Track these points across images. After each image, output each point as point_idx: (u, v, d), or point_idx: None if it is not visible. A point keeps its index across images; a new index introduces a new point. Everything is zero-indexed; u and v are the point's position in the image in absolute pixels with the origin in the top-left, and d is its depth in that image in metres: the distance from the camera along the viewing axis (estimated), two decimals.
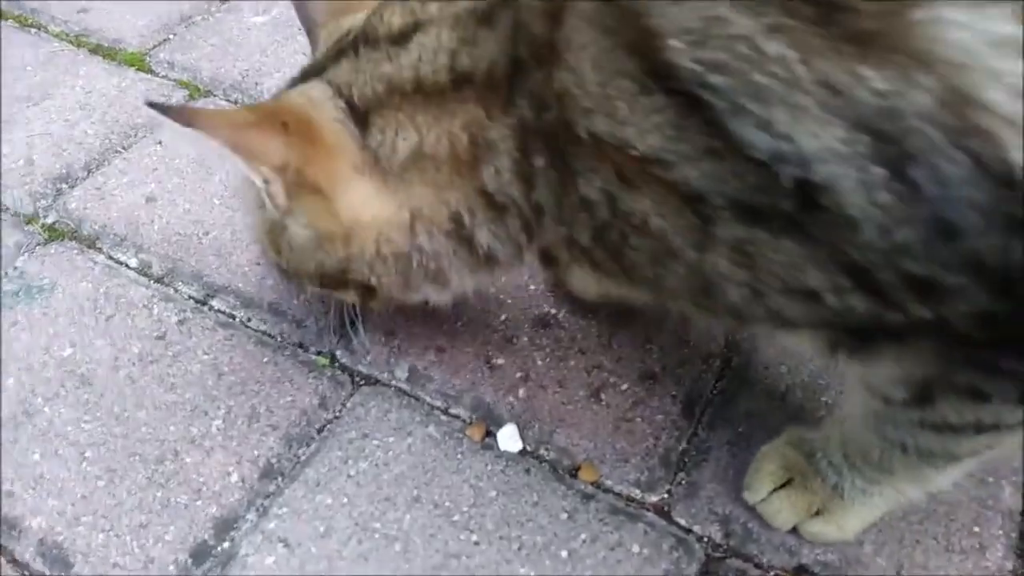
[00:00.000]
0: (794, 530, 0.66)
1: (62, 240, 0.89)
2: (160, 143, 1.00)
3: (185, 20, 1.19)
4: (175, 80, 1.09)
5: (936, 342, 0.44)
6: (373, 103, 0.56)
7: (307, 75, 0.62)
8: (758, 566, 0.66)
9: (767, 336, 0.70)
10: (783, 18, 0.36)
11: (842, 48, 0.36)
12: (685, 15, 0.38)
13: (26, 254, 0.88)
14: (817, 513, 0.65)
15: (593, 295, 0.59)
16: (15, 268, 0.86)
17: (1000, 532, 0.68)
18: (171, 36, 1.16)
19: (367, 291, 0.64)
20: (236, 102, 1.06)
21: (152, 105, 0.54)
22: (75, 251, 0.88)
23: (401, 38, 0.54)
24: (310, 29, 0.69)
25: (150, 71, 1.11)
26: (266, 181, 0.58)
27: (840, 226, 0.39)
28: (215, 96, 1.07)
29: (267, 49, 1.14)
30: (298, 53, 1.12)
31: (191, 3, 1.22)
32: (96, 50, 1.14)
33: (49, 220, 0.91)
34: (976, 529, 0.68)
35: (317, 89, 0.59)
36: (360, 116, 0.56)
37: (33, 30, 1.17)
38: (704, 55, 0.38)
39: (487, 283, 0.76)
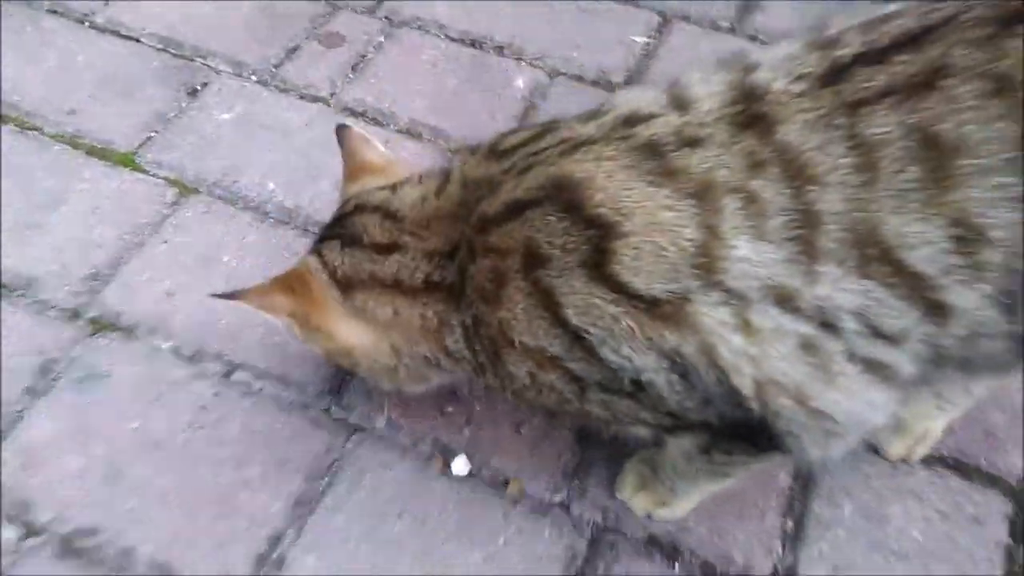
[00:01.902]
0: (648, 515, 1.05)
1: (105, 332, 1.17)
2: (166, 242, 1.28)
3: (161, 118, 1.44)
4: (164, 179, 1.36)
5: (706, 432, 0.82)
6: (356, 283, 0.88)
7: (319, 239, 0.94)
8: (625, 537, 1.04)
9: None
10: (624, 306, 0.72)
11: (652, 322, 0.71)
12: (578, 299, 0.73)
13: (78, 345, 1.16)
14: (662, 504, 1.04)
15: None
16: (72, 358, 1.14)
17: (775, 503, 1.07)
18: (153, 134, 1.42)
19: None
20: (219, 198, 1.34)
21: (215, 295, 0.91)
22: (118, 341, 1.16)
23: (384, 250, 0.86)
24: (344, 165, 1.02)
25: (143, 171, 1.37)
26: (286, 325, 0.91)
27: (656, 397, 0.75)
28: (200, 192, 1.34)
29: (238, 146, 1.41)
30: (264, 150, 1.40)
31: (162, 100, 1.47)
32: (92, 152, 1.38)
33: (91, 315, 1.19)
34: (759, 503, 1.07)
35: (312, 261, 0.91)
36: (343, 286, 0.89)
37: (32, 133, 1.40)
38: (589, 319, 0.73)
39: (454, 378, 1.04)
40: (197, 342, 1.17)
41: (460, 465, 1.07)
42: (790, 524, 1.06)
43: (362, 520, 1.02)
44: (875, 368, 0.73)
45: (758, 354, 0.71)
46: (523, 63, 1.57)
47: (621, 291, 0.72)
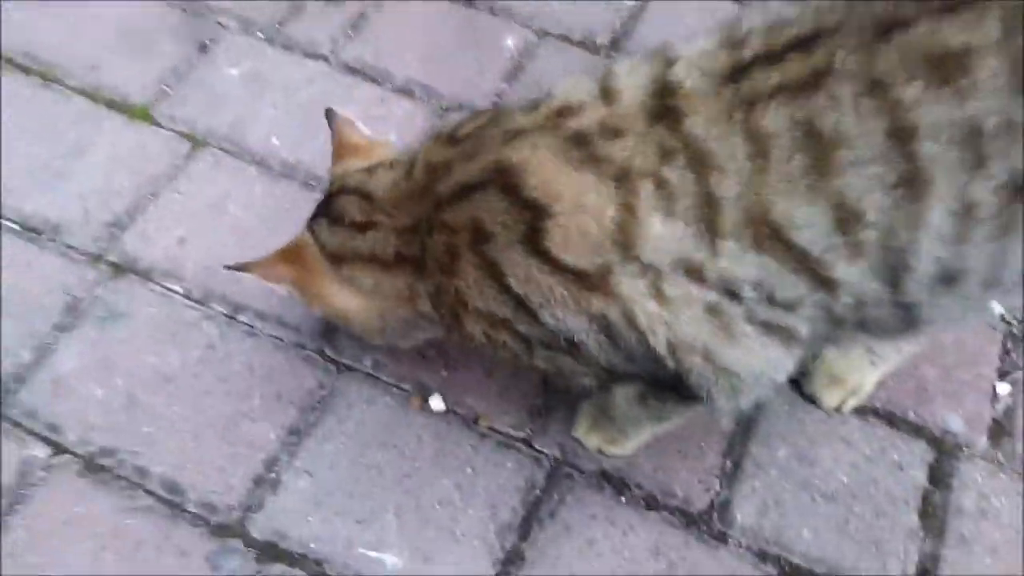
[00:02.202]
0: (600, 451, 1.18)
1: (125, 275, 1.30)
2: (179, 192, 1.40)
3: (175, 73, 1.54)
4: (179, 132, 1.47)
5: (639, 382, 0.94)
6: (342, 256, 1.01)
7: (312, 216, 1.05)
8: (580, 471, 1.17)
9: None
10: (557, 277, 0.83)
11: (580, 291, 0.82)
12: (519, 270, 0.84)
13: (100, 287, 1.29)
14: (612, 442, 1.17)
15: None
16: (96, 298, 1.28)
17: (716, 445, 1.20)
18: (167, 89, 1.52)
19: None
20: (227, 152, 1.45)
21: (228, 267, 1.04)
22: (136, 283, 1.30)
23: (362, 228, 0.98)
24: (333, 147, 1.12)
25: (158, 124, 1.47)
26: (289, 291, 1.03)
27: (588, 354, 0.87)
28: (211, 146, 1.46)
29: (246, 102, 1.51)
30: (268, 106, 1.50)
31: (176, 55, 1.57)
32: (111, 105, 1.49)
33: (112, 259, 1.32)
34: (702, 444, 1.20)
35: (307, 237, 1.03)
36: (333, 259, 1.01)
37: (56, 85, 1.51)
38: (529, 287, 0.84)
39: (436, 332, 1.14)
40: (205, 286, 1.30)
41: (436, 402, 1.21)
42: (729, 464, 1.18)
43: (348, 448, 1.16)
44: (773, 330, 0.85)
45: (670, 318, 0.83)
46: (513, 23, 1.65)
47: (554, 264, 0.83)
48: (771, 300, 0.83)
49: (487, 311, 0.89)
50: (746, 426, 1.21)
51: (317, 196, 1.13)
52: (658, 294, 0.82)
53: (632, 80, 0.87)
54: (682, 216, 0.81)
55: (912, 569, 1.11)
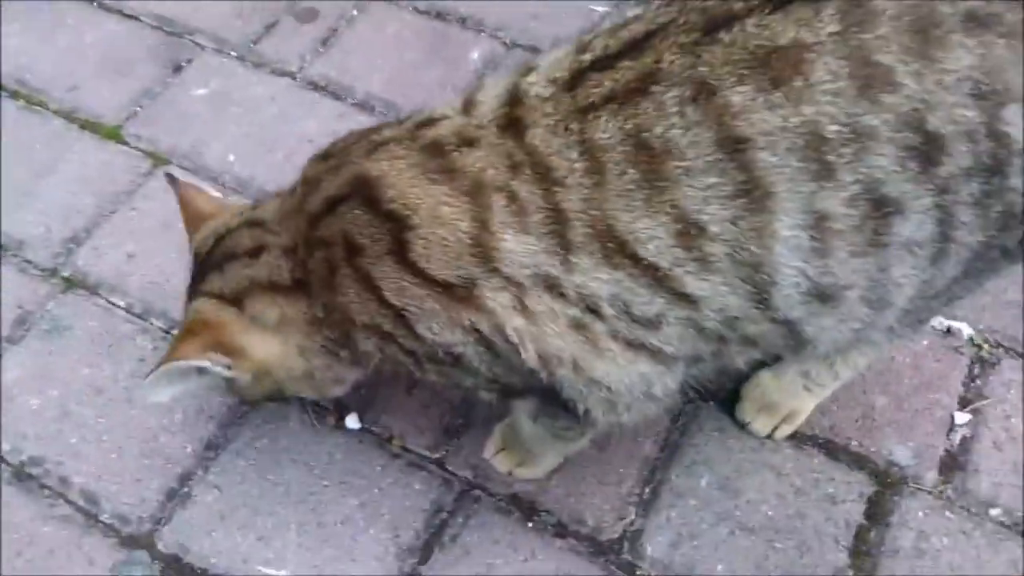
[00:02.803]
0: (510, 473, 1.14)
1: (75, 289, 1.35)
2: (134, 209, 1.44)
3: (148, 94, 1.59)
4: (143, 151, 1.51)
5: (534, 398, 0.91)
6: (242, 293, 0.93)
7: (190, 292, 1.00)
8: (490, 494, 1.14)
9: None
10: (427, 289, 0.81)
11: (451, 303, 0.81)
12: (391, 283, 0.82)
13: (51, 300, 1.34)
14: (521, 463, 1.13)
15: None
16: (45, 311, 1.33)
17: (636, 471, 1.15)
18: (138, 109, 1.57)
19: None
20: (186, 169, 1.48)
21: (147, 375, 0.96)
22: (83, 298, 1.34)
23: (254, 253, 0.93)
24: (183, 216, 1.09)
25: (125, 143, 1.53)
26: (208, 366, 0.93)
27: (471, 366, 0.85)
28: (172, 163, 1.49)
29: (207, 120, 1.55)
30: (230, 124, 1.54)
31: (151, 76, 1.62)
32: (84, 126, 1.55)
33: (65, 274, 1.37)
34: (621, 469, 1.15)
35: (198, 302, 0.97)
36: (233, 301, 0.94)
37: (37, 108, 1.58)
38: (404, 299, 0.82)
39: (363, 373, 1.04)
40: (147, 301, 1.33)
41: (352, 421, 1.20)
42: (647, 492, 1.13)
43: (259, 464, 1.17)
44: (638, 348, 0.81)
45: (536, 332, 0.81)
46: (483, 34, 1.63)
47: (423, 276, 0.81)
48: (631, 316, 0.79)
49: (372, 324, 0.87)
50: (671, 452, 1.16)
51: None
52: (523, 308, 0.79)
53: (492, 91, 0.84)
54: (534, 231, 0.78)
55: None
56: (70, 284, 1.36)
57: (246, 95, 1.58)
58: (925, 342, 1.23)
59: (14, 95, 1.60)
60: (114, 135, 1.54)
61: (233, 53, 1.65)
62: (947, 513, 1.09)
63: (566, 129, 0.76)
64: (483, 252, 0.79)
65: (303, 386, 1.01)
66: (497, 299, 0.80)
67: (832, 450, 1.15)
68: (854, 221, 0.73)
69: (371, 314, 0.86)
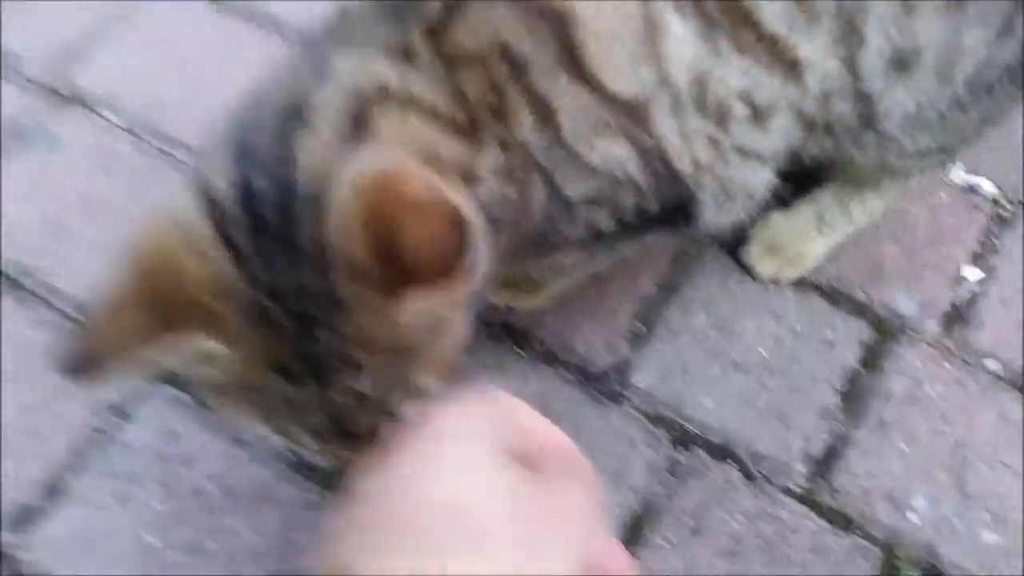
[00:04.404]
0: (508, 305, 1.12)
1: (71, 105, 1.32)
2: (133, 26, 1.39)
3: None
4: None
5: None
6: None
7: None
8: (482, 323, 1.12)
9: None
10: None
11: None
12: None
13: (47, 116, 1.31)
14: (520, 294, 1.11)
15: None
16: (42, 126, 1.30)
17: (631, 307, 1.13)
18: None
19: None
20: None
21: None
22: (80, 113, 1.31)
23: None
24: None
25: None
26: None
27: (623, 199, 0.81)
28: None
29: None
30: None
31: None
32: None
33: (62, 90, 1.33)
34: (616, 306, 1.13)
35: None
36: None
37: None
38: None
39: None
40: (142, 117, 1.30)
41: None
42: (641, 327, 1.11)
43: None
44: (749, 155, 0.83)
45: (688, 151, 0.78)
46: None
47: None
48: (754, 111, 0.77)
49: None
50: (669, 291, 1.13)
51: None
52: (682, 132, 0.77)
53: None
54: (690, 15, 0.71)
55: (818, 448, 1.02)
56: (66, 100, 1.33)
57: None
58: (944, 195, 1.19)
59: None
60: None
61: None
62: (944, 363, 1.07)
63: None
64: (654, 45, 0.71)
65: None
66: (667, 124, 0.75)
67: (835, 297, 1.12)
68: None
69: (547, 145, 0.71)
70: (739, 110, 0.77)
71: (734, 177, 0.84)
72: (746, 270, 1.13)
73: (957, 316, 1.10)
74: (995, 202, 1.19)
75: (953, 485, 0.98)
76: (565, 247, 0.87)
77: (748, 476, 1.00)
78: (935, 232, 1.16)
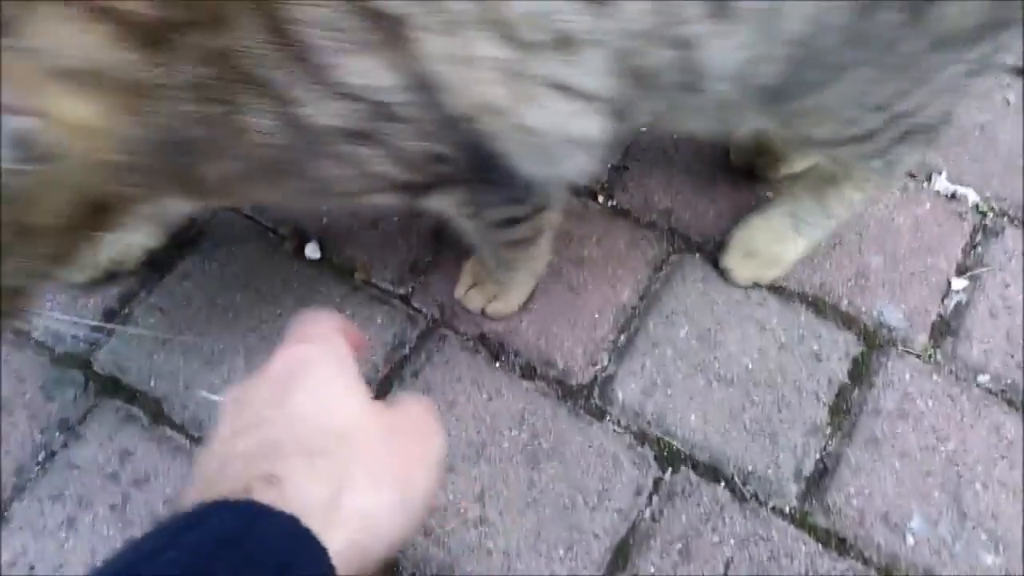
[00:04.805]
0: (483, 312, 1.07)
1: None
2: None
3: None
4: None
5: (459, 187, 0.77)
6: None
7: None
8: (457, 333, 1.06)
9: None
10: None
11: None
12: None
13: None
14: (493, 298, 1.05)
15: None
16: None
17: (612, 317, 1.07)
18: None
19: None
20: None
21: None
22: None
23: None
24: None
25: None
26: None
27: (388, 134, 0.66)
28: None
29: None
30: None
31: None
32: None
33: None
34: (596, 316, 1.08)
35: None
36: None
37: None
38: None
39: None
40: None
41: (312, 249, 1.11)
42: (622, 339, 1.06)
43: (206, 288, 1.08)
44: (562, 88, 0.67)
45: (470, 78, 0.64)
46: None
47: None
48: (560, 38, 0.62)
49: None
50: (650, 301, 1.09)
51: None
52: (461, 57, 0.62)
53: None
54: None
55: (809, 466, 0.98)
56: None
57: None
58: (928, 205, 1.16)
59: None
60: None
61: None
62: (934, 376, 1.04)
63: None
64: None
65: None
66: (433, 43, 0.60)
67: (820, 308, 1.09)
68: None
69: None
70: (540, 35, 0.62)
71: (545, 123, 0.69)
72: (724, 276, 1.09)
73: (945, 328, 1.07)
74: (979, 211, 1.16)
75: (949, 504, 0.94)
76: (362, 190, 0.74)
77: (737, 496, 0.95)
78: (920, 242, 1.13)
